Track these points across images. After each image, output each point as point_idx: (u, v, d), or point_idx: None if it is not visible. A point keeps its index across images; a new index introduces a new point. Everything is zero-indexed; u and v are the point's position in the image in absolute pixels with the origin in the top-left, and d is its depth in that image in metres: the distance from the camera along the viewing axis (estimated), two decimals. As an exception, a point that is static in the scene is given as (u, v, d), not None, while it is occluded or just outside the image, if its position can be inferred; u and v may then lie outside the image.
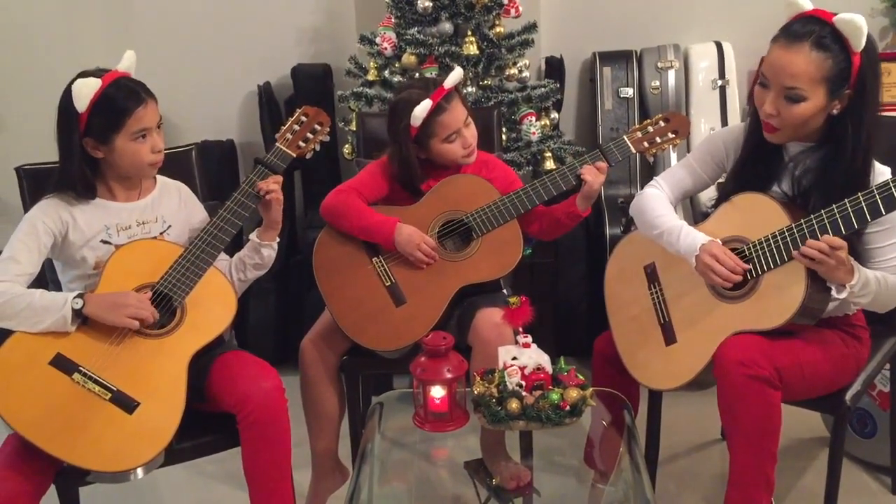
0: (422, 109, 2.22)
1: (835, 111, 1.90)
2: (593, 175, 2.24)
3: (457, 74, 2.28)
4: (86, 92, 1.95)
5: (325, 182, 3.27)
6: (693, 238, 2.02)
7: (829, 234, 1.81)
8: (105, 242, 2.06)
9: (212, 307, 2.04)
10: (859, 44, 1.83)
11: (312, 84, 3.59)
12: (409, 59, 3.04)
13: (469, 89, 3.04)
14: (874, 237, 1.92)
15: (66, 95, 1.97)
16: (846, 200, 1.81)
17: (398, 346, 2.27)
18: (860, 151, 1.89)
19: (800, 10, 1.90)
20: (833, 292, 1.87)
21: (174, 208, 2.18)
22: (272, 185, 2.12)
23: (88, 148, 2.01)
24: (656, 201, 2.16)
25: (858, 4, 3.42)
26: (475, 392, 1.86)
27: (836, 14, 1.85)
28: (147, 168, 2.07)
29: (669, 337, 2.10)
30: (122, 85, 2.00)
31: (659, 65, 3.47)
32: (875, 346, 2.16)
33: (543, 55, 3.60)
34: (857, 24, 1.81)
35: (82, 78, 1.97)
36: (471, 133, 2.31)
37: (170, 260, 2.03)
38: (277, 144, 2.20)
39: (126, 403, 1.88)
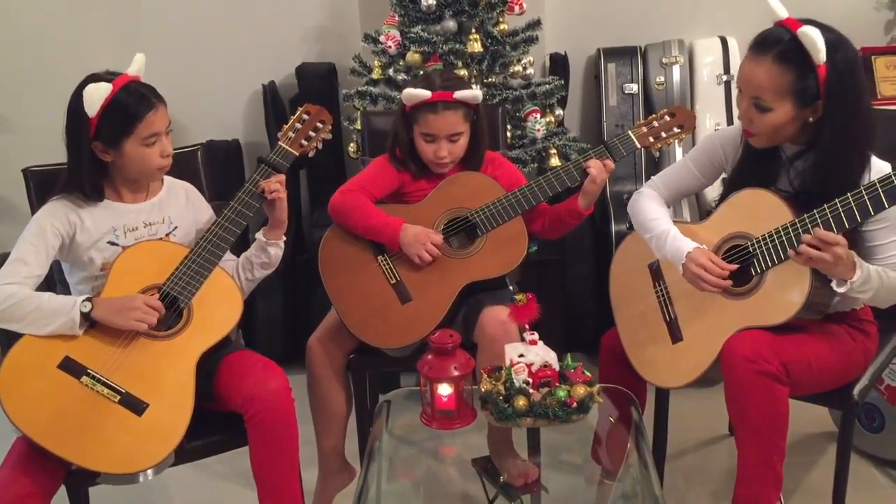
0: (412, 94, 2.25)
1: (811, 118, 1.90)
2: (598, 169, 2.24)
3: (471, 93, 2.28)
4: (97, 97, 1.95)
5: (330, 181, 3.27)
6: (679, 245, 2.03)
7: (832, 229, 1.81)
8: (112, 244, 2.07)
9: (218, 307, 2.04)
10: (818, 57, 1.82)
11: (317, 83, 3.59)
12: (413, 57, 3.04)
13: (474, 87, 3.04)
14: (876, 234, 1.91)
15: (76, 99, 1.97)
16: (849, 195, 1.80)
17: (404, 344, 2.27)
18: (847, 153, 1.88)
19: (776, 18, 1.90)
20: (833, 286, 1.86)
21: (181, 209, 2.19)
22: (274, 184, 2.12)
23: (97, 151, 2.01)
24: (650, 203, 2.17)
25: (864, -2, 3.45)
26: (482, 389, 1.86)
27: (802, 25, 1.84)
28: (156, 172, 2.08)
29: (675, 335, 2.10)
30: (133, 90, 2.00)
31: (663, 60, 3.47)
32: (883, 340, 2.15)
33: (548, 52, 3.59)
34: (812, 37, 1.81)
35: (92, 82, 1.96)
36: (452, 149, 2.30)
37: (176, 261, 2.03)
38: (280, 143, 2.20)
39: (135, 405, 1.88)
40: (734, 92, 3.46)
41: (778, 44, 1.86)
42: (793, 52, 1.84)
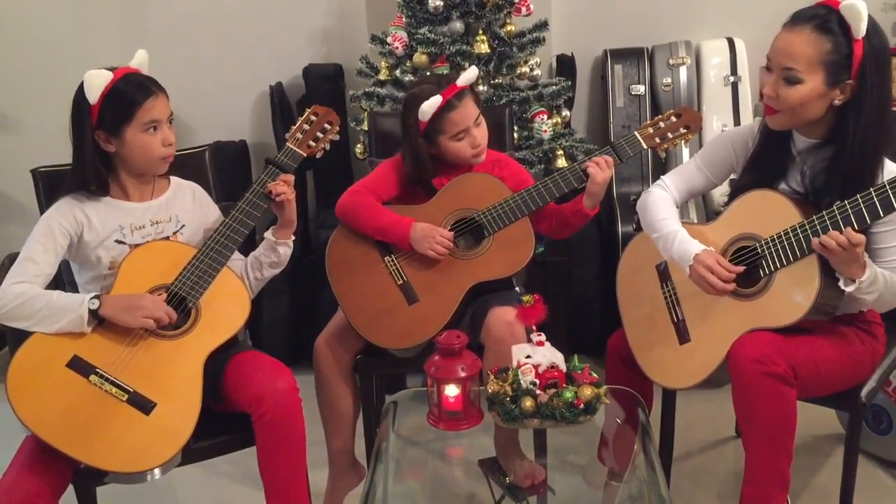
0: (430, 105, 2.24)
1: (837, 101, 1.89)
2: (596, 169, 2.24)
3: (471, 73, 2.28)
4: (97, 83, 1.97)
5: (337, 182, 3.29)
6: (687, 247, 2.03)
7: (841, 230, 1.80)
8: (119, 242, 2.07)
9: (226, 307, 2.05)
10: (860, 29, 1.83)
11: (324, 84, 3.60)
12: (420, 58, 3.04)
13: (480, 88, 3.04)
14: (882, 237, 1.91)
15: (80, 91, 2.00)
16: (858, 196, 1.80)
17: (411, 345, 2.27)
18: (866, 147, 1.88)
19: None
20: (840, 284, 1.86)
21: (188, 208, 2.19)
22: (282, 186, 2.13)
23: (100, 141, 2.03)
24: (659, 203, 2.17)
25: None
26: (489, 390, 1.86)
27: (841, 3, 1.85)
28: (159, 162, 2.08)
29: (683, 336, 2.10)
30: (132, 79, 2.02)
31: (670, 62, 3.47)
32: (890, 342, 2.15)
33: (554, 53, 3.60)
34: (858, 8, 1.82)
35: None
36: (481, 133, 2.31)
37: (184, 261, 2.04)
38: (288, 144, 2.21)
39: (143, 404, 1.89)
40: (741, 93, 3.46)
41: (818, 16, 1.87)
42: (833, 23, 1.85)
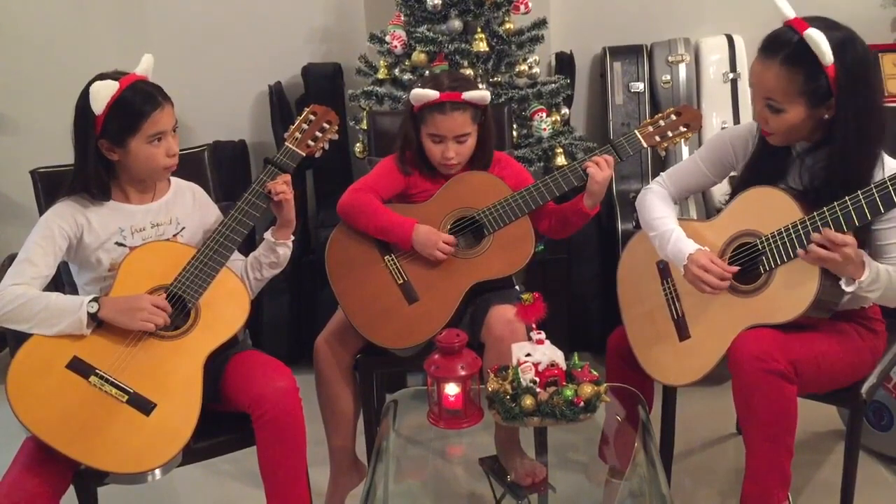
0: (420, 94, 2.25)
1: (826, 116, 1.89)
2: (596, 168, 2.23)
3: (479, 94, 2.27)
4: (103, 94, 1.96)
5: (337, 181, 3.28)
6: (681, 247, 2.03)
7: (842, 226, 1.80)
8: (119, 244, 2.07)
9: (225, 307, 2.05)
10: (825, 59, 1.81)
11: (323, 83, 3.60)
12: (418, 56, 3.04)
13: (479, 86, 3.04)
14: (885, 233, 1.90)
15: (84, 97, 1.98)
16: (859, 192, 1.80)
17: (411, 344, 2.27)
18: (862, 149, 1.88)
19: (784, 18, 1.89)
20: (841, 284, 1.86)
21: (188, 210, 2.19)
22: (281, 185, 2.12)
23: (104, 150, 2.02)
24: (657, 201, 2.17)
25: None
26: (489, 389, 1.86)
27: (809, 26, 1.82)
28: (161, 171, 2.08)
29: (683, 332, 2.10)
30: (140, 88, 2.00)
31: (669, 59, 3.46)
32: (891, 338, 2.15)
33: (553, 51, 3.59)
34: (816, 40, 1.80)
35: (100, 80, 1.98)
36: (457, 150, 2.29)
37: (183, 261, 2.04)
38: (287, 144, 2.21)
39: (143, 405, 1.89)
40: (741, 90, 3.46)
41: (786, 46, 1.86)
42: (801, 53, 1.83)
